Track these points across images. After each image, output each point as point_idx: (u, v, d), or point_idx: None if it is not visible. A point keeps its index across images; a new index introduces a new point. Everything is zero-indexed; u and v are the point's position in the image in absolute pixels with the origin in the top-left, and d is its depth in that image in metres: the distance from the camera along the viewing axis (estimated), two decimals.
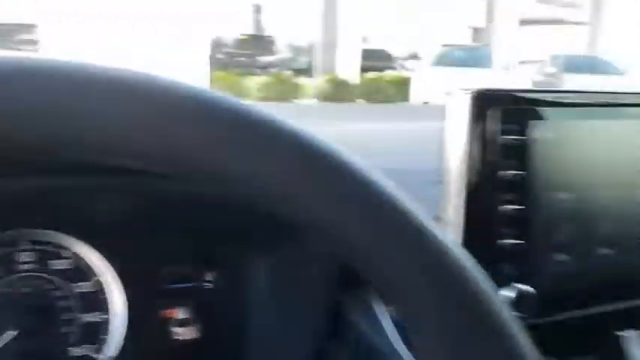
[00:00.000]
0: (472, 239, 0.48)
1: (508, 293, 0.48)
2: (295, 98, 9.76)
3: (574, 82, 10.91)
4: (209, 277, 0.54)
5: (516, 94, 0.50)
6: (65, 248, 0.49)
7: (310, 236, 0.41)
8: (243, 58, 14.59)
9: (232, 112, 0.26)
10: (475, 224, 0.49)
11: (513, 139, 0.48)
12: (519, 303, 0.48)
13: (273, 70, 12.78)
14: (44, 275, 0.49)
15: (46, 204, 0.47)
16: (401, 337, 0.50)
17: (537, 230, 0.50)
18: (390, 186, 0.29)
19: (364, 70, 11.79)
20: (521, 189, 0.49)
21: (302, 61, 15.86)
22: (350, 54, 11.37)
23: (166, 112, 0.25)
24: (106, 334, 0.50)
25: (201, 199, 0.45)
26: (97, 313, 0.50)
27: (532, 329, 0.32)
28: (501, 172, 0.48)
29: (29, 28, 9.04)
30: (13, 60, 0.23)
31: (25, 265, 0.48)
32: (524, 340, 0.29)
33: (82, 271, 0.49)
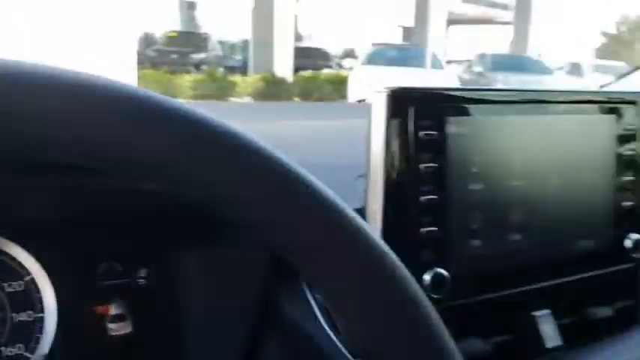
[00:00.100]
0: (392, 228, 0.51)
1: (427, 277, 0.51)
2: (230, 96, 9.65)
3: (502, 80, 11.26)
4: (142, 273, 0.54)
5: (432, 92, 0.54)
6: None
7: (240, 229, 0.43)
8: (175, 56, 14.28)
9: (152, 106, 0.27)
10: (395, 214, 0.52)
11: (429, 134, 0.52)
12: (437, 286, 0.52)
13: (206, 67, 12.58)
14: None
15: None
16: (330, 323, 0.53)
17: (453, 218, 0.53)
18: (314, 180, 0.30)
19: (301, 68, 11.79)
20: (438, 180, 0.52)
21: (237, 59, 15.69)
22: (285, 52, 11.33)
23: (83, 105, 0.26)
24: (40, 333, 0.50)
25: (131, 194, 0.46)
26: (29, 312, 0.50)
27: (449, 311, 0.35)
28: (419, 166, 0.51)
29: None
30: None
31: None
32: (438, 320, 0.32)
33: (12, 271, 0.49)
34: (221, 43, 16.44)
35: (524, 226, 0.58)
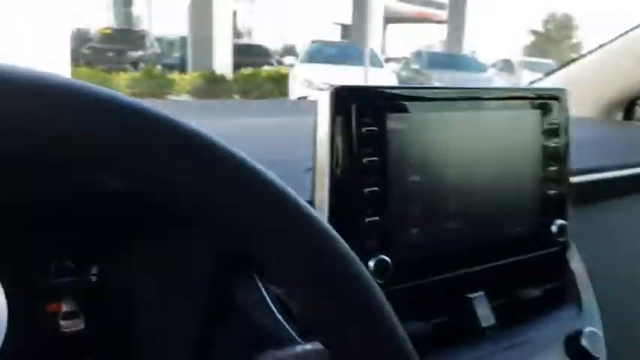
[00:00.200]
0: (338, 218, 0.53)
1: (371, 264, 0.55)
2: (168, 94, 9.46)
3: (437, 78, 11.51)
4: (94, 270, 0.55)
5: (373, 90, 0.57)
6: None
7: (193, 222, 0.44)
8: (111, 54, 13.85)
9: (97, 98, 0.28)
10: (340, 205, 0.54)
11: (371, 130, 0.55)
12: (380, 272, 0.55)
13: (144, 65, 12.28)
14: None
15: None
16: (284, 312, 0.55)
17: (394, 208, 0.57)
18: (266, 171, 0.32)
19: (241, 65, 11.66)
20: (379, 173, 0.55)
21: (175, 57, 15.36)
22: (225, 49, 11.19)
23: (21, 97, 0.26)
24: None
25: (81, 190, 0.47)
26: None
27: (392, 295, 0.38)
28: (362, 159, 0.54)
29: None
30: None
31: None
32: (384, 301, 0.34)
33: None
34: (159, 40, 16.06)
35: (459, 215, 0.62)
